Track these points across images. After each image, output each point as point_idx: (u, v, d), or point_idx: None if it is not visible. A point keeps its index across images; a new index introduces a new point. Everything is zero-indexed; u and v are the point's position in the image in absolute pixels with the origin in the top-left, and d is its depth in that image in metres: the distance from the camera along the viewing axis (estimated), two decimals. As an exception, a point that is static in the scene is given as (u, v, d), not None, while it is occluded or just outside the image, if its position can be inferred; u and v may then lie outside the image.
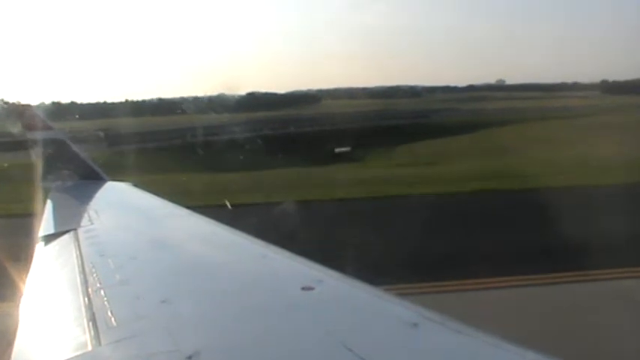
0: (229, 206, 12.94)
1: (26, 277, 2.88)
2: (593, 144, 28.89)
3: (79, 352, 1.75)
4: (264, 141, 35.32)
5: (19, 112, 6.04)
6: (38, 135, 5.87)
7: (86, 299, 2.19)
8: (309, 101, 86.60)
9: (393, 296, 2.02)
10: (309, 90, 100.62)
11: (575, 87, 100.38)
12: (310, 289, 2.03)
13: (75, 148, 5.97)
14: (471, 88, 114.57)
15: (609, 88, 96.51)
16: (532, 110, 67.50)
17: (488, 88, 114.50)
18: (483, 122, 54.45)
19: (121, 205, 4.85)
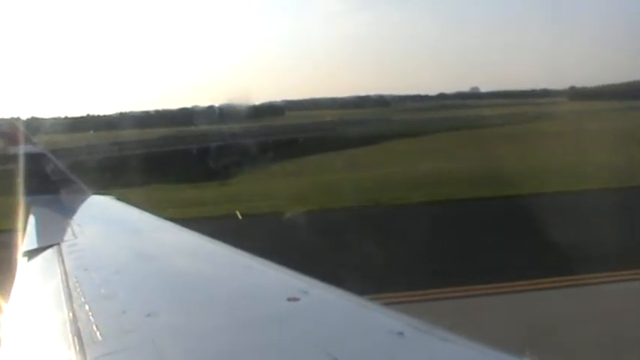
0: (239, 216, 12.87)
1: (9, 292, 2.84)
2: (464, 157, 28.56)
3: None
4: (165, 157, 34.92)
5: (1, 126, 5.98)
6: (20, 149, 5.82)
7: (71, 314, 2.18)
8: (275, 113, 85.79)
9: (379, 305, 2.04)
10: (284, 101, 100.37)
11: (544, 94, 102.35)
12: (296, 299, 2.05)
13: (57, 162, 5.94)
14: (442, 97, 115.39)
15: (577, 94, 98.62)
16: (467, 119, 67.59)
17: (460, 96, 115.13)
18: (397, 133, 53.91)
19: (104, 219, 4.82)
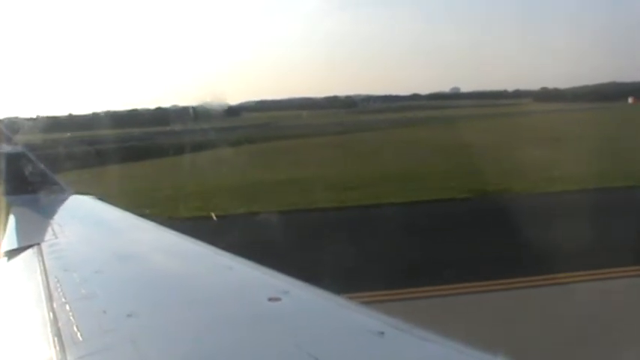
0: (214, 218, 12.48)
1: None
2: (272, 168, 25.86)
3: None
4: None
5: None
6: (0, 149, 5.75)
7: (51, 314, 2.16)
8: (231, 114, 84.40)
9: (360, 305, 2.07)
10: (262, 100, 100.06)
11: (516, 95, 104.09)
12: (277, 299, 2.06)
13: (37, 161, 5.82)
14: (414, 97, 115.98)
15: (545, 95, 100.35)
16: (384, 121, 65.68)
17: (433, 97, 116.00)
18: (264, 138, 49.49)
19: (85, 219, 4.77)
